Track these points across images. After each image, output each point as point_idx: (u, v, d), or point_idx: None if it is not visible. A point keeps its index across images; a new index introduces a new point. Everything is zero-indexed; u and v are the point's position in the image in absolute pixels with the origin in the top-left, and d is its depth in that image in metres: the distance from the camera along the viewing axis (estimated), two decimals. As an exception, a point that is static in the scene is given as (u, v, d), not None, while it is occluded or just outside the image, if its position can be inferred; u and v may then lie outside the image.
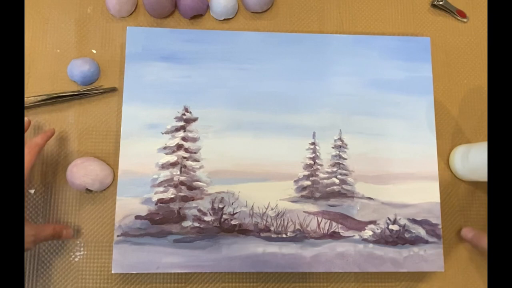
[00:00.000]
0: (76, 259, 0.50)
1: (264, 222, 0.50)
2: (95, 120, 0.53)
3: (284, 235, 0.50)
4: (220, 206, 0.50)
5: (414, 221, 0.52)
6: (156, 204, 0.50)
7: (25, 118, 0.47)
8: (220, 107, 0.53)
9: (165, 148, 0.51)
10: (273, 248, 0.50)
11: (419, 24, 0.59)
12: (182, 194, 0.50)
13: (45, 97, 0.52)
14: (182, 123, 0.52)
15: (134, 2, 0.56)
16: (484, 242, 0.48)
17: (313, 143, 0.53)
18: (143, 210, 0.49)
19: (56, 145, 0.52)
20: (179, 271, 0.49)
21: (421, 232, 0.51)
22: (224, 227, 0.50)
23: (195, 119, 0.52)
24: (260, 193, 0.51)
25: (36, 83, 0.53)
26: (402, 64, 0.55)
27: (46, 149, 0.52)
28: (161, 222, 0.49)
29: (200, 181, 0.51)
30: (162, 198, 0.50)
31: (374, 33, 0.58)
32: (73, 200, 0.51)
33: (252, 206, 0.51)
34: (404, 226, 0.51)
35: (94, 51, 0.55)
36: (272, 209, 0.51)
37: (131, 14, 0.56)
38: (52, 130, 0.49)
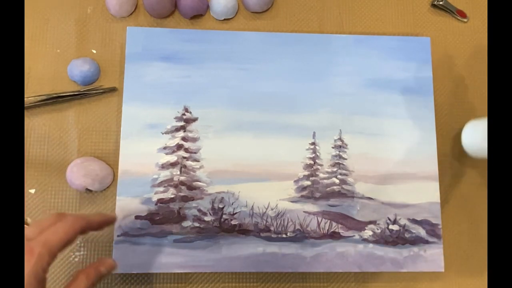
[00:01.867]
0: (76, 259, 0.50)
1: (264, 222, 0.50)
2: (95, 120, 0.53)
3: (284, 235, 0.50)
4: (220, 206, 0.50)
5: (414, 221, 0.52)
6: (156, 204, 0.50)
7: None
8: (220, 107, 0.53)
9: (165, 148, 0.51)
10: (273, 248, 0.50)
11: (419, 24, 0.59)
12: (182, 194, 0.50)
13: (45, 97, 0.52)
14: (182, 123, 0.52)
15: (134, 2, 0.56)
16: None
17: (313, 143, 0.53)
18: (143, 210, 0.49)
19: (56, 145, 0.52)
20: (179, 271, 0.49)
21: (421, 232, 0.51)
22: (224, 227, 0.50)
23: (195, 119, 0.52)
24: (260, 193, 0.51)
25: (36, 83, 0.53)
26: (402, 64, 0.55)
27: (46, 148, 0.52)
28: (161, 222, 0.49)
29: (200, 181, 0.51)
30: (162, 198, 0.50)
31: (374, 33, 0.58)
32: (73, 200, 0.51)
33: (252, 206, 0.51)
34: (404, 226, 0.51)
35: (94, 51, 0.55)
36: (272, 209, 0.51)
37: (131, 14, 0.56)
38: (114, 217, 0.44)
